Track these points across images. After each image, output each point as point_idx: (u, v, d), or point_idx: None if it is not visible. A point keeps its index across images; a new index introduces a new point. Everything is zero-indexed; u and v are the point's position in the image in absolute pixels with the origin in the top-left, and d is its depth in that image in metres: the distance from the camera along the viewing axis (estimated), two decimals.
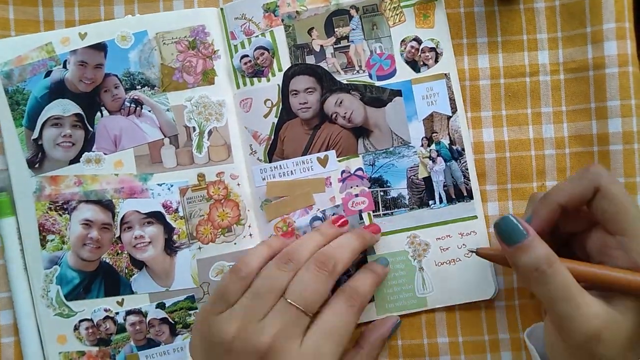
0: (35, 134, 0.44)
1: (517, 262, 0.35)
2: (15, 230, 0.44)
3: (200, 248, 0.44)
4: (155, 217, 0.44)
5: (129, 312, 0.44)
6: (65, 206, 0.44)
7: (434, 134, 0.45)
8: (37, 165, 0.44)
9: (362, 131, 0.45)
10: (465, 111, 0.46)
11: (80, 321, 0.44)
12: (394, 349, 0.45)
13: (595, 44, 0.44)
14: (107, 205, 0.44)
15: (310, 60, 0.46)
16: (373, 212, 0.45)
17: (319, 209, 0.45)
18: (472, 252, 0.40)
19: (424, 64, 0.46)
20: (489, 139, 0.45)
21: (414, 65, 0.46)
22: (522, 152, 0.45)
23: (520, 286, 0.45)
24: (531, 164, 0.45)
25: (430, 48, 0.46)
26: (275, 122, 0.45)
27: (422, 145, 0.45)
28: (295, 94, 0.46)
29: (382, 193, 0.45)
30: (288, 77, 0.45)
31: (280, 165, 0.45)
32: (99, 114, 0.44)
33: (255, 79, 0.46)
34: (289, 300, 0.36)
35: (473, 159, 0.45)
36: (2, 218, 0.44)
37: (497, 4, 0.46)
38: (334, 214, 0.45)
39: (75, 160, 0.44)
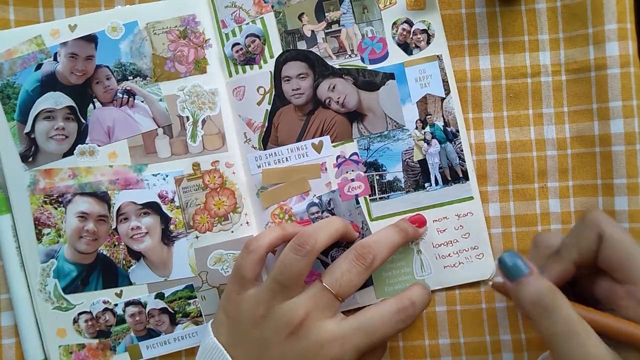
0: (28, 128, 0.44)
1: (519, 296, 0.33)
2: (10, 227, 0.44)
3: (197, 237, 0.44)
4: (151, 207, 0.44)
5: (128, 303, 0.44)
6: (60, 199, 0.44)
7: (428, 116, 0.45)
8: (30, 159, 0.44)
9: (356, 115, 0.45)
10: (466, 112, 0.45)
11: (79, 314, 0.44)
12: (395, 350, 0.45)
13: (596, 45, 0.44)
14: (103, 197, 0.44)
15: (301, 45, 0.45)
16: (369, 196, 0.45)
17: (315, 195, 0.45)
18: (489, 283, 0.39)
19: (416, 46, 0.46)
20: (490, 140, 0.45)
21: (406, 47, 0.46)
22: (523, 153, 0.45)
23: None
24: (532, 165, 0.45)
25: (422, 30, 0.46)
26: (269, 109, 0.45)
27: (416, 128, 0.45)
28: (288, 80, 0.45)
29: (377, 177, 0.45)
30: (280, 63, 0.45)
31: (275, 152, 0.45)
32: (91, 105, 0.44)
33: (247, 67, 0.45)
34: (325, 284, 0.38)
35: (467, 139, 0.45)
36: None
37: (499, 5, 0.45)
38: (330, 200, 0.45)
39: (69, 152, 0.44)
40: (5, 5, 0.44)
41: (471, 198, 0.45)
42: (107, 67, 0.44)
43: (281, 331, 0.37)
